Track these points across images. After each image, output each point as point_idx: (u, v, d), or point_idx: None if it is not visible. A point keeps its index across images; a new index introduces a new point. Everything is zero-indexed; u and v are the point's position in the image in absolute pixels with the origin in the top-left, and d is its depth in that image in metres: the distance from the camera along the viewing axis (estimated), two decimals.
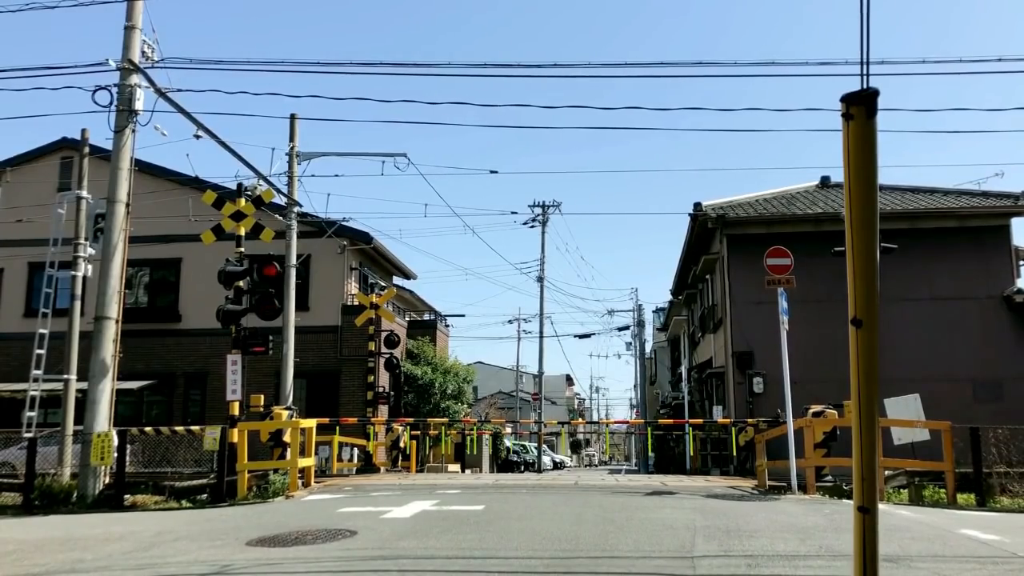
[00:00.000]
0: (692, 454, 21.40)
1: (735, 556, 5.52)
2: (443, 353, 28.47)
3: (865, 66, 2.33)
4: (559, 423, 42.33)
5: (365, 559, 5.57)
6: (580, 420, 62.29)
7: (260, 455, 12.90)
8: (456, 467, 23.96)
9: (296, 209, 18.28)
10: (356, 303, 21.91)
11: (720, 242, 19.81)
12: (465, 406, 27.35)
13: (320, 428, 14.18)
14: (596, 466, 68.85)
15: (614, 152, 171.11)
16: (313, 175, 46.70)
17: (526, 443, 42.12)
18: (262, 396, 12.25)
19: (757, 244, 16.90)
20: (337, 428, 17.91)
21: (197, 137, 13.36)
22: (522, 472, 29.93)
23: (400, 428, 19.98)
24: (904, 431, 11.20)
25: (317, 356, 22.08)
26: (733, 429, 17.32)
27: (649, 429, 24.44)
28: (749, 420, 16.85)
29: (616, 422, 43.06)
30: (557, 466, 42.36)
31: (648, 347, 45.99)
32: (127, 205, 12.03)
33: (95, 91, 11.58)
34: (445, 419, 23.73)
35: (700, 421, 20.92)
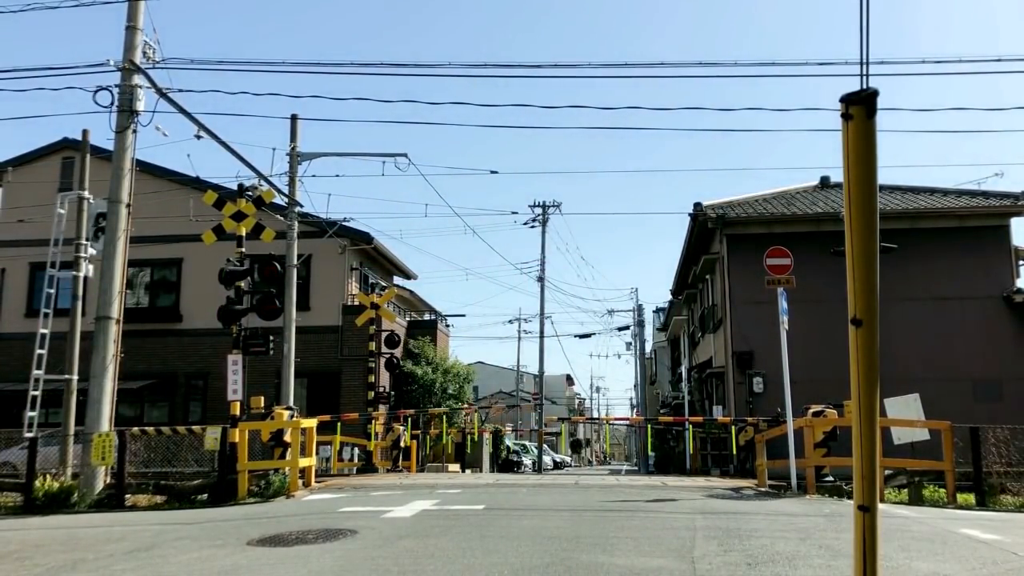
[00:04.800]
0: (692, 452, 21.43)
1: (735, 556, 5.53)
2: (443, 353, 28.49)
3: (865, 66, 2.34)
4: (559, 419, 42.23)
5: (366, 559, 5.58)
6: (580, 417, 62.15)
7: (260, 455, 12.92)
8: (456, 467, 23.97)
9: (297, 209, 18.29)
10: (357, 303, 21.93)
11: (720, 242, 19.83)
12: (465, 406, 27.37)
13: (321, 426, 14.20)
14: (594, 464, 68.85)
15: (614, 152, 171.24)
16: (314, 175, 46.86)
17: (526, 443, 42.13)
18: (262, 398, 12.25)
19: (757, 244, 16.93)
20: (338, 425, 17.87)
21: (198, 137, 13.38)
22: (522, 472, 29.94)
23: (400, 428, 20.00)
24: (904, 431, 11.20)
25: (318, 356, 22.10)
26: (733, 428, 17.31)
27: (649, 427, 24.57)
28: (749, 419, 16.85)
29: (616, 419, 42.91)
30: (558, 466, 42.39)
31: (648, 347, 46.04)
32: (128, 205, 12.05)
33: (96, 91, 11.59)
34: (445, 409, 23.80)
35: (700, 419, 20.94)
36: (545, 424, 35.12)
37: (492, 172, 50.35)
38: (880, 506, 2.28)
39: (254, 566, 5.51)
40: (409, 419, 20.37)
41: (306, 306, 21.72)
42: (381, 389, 21.10)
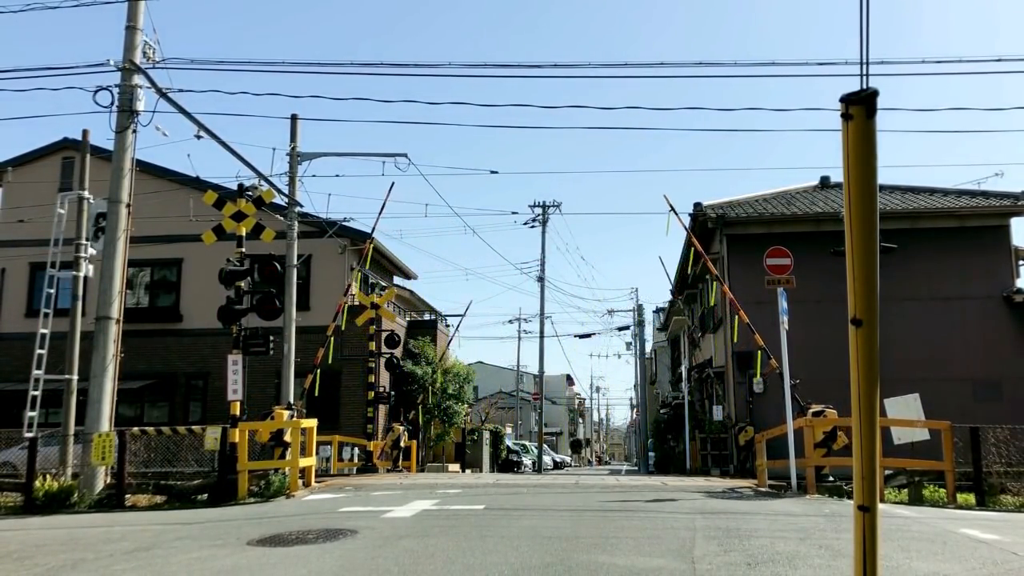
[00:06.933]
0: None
1: (735, 556, 5.53)
2: (443, 353, 28.50)
3: (865, 66, 2.35)
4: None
5: (366, 559, 5.58)
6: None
7: (260, 455, 12.92)
8: (456, 467, 23.99)
9: (297, 209, 18.29)
10: (357, 303, 21.92)
11: (720, 242, 19.82)
12: (465, 406, 27.37)
13: (321, 421, 14.13)
14: (594, 464, 68.88)
15: (614, 152, 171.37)
16: (314, 175, 46.81)
17: (526, 443, 42.15)
18: (257, 427, 12.18)
19: (757, 244, 16.92)
20: (316, 374, 16.99)
21: (198, 137, 13.39)
22: (522, 472, 29.95)
23: (400, 428, 20.00)
24: (904, 431, 11.20)
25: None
26: (760, 355, 15.22)
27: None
28: (757, 340, 14.21)
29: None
30: (558, 466, 42.42)
31: (648, 347, 45.96)
32: (128, 205, 12.05)
33: (96, 91, 11.59)
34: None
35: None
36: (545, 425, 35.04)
37: (492, 172, 50.39)
38: (880, 506, 2.28)
39: (254, 566, 5.51)
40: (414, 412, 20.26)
41: (306, 306, 21.71)
42: (381, 389, 21.09)
